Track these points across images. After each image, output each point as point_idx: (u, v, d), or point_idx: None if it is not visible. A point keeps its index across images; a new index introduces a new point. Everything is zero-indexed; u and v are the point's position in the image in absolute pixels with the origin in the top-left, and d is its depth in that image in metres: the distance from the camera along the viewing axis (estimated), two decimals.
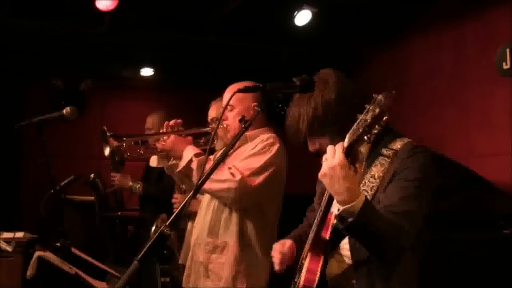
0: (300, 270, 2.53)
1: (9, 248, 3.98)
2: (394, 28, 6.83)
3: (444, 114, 6.34)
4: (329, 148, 2.14)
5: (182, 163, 3.66)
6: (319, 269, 2.38)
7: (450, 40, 6.37)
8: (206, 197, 3.85)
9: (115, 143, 3.90)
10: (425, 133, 6.26)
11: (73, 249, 3.88)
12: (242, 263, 3.54)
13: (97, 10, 6.24)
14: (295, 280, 2.58)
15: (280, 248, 2.74)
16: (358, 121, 2.05)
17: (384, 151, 2.45)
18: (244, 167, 3.51)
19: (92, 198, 6.45)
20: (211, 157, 3.91)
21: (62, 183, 4.52)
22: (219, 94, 4.16)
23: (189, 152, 3.68)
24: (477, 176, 4.73)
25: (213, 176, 3.43)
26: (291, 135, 2.63)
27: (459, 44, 6.25)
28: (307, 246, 2.51)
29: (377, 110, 1.99)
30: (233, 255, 3.55)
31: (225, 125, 3.78)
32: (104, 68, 9.09)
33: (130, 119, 8.93)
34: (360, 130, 2.03)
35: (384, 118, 1.99)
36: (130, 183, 5.72)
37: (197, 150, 3.70)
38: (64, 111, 4.01)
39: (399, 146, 2.45)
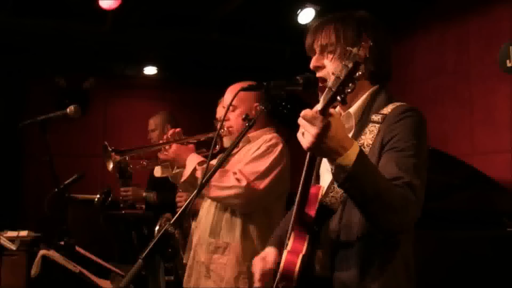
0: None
1: (13, 247, 3.99)
2: (397, 25, 6.81)
3: (447, 112, 6.33)
4: (301, 119, 1.90)
5: (186, 173, 3.64)
6: (303, 249, 2.16)
7: (453, 38, 6.36)
8: None
9: (118, 158, 3.89)
10: (428, 131, 6.25)
11: (77, 248, 3.89)
12: (244, 263, 3.52)
13: (100, 9, 6.25)
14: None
15: (262, 266, 2.54)
16: (332, 79, 1.82)
17: (374, 117, 2.26)
18: (249, 171, 3.50)
19: (96, 196, 6.44)
20: (217, 159, 3.90)
21: (66, 182, 4.52)
22: (222, 92, 4.16)
23: (192, 161, 3.66)
24: (481, 174, 4.73)
25: (219, 184, 3.43)
26: (312, 33, 2.45)
27: (462, 41, 6.24)
28: (290, 224, 2.30)
29: (350, 65, 1.76)
30: (235, 255, 3.54)
31: (227, 127, 3.78)
32: (107, 67, 9.10)
33: (133, 118, 8.96)
34: (333, 89, 1.79)
35: (358, 73, 1.77)
36: (144, 194, 5.71)
37: (201, 158, 3.69)
38: (67, 110, 4.02)
39: (389, 110, 2.26)
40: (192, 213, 4.35)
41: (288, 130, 4.95)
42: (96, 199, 6.15)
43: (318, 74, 2.41)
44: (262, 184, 3.48)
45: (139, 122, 6.52)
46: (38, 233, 4.49)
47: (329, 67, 2.37)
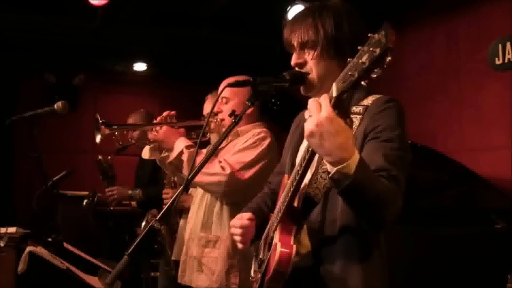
0: (268, 242, 2.37)
1: (1, 243, 3.98)
2: (386, 22, 6.82)
3: (436, 109, 6.35)
4: (312, 102, 1.91)
5: (173, 155, 3.66)
6: (291, 242, 2.16)
7: (443, 35, 6.37)
8: (199, 191, 3.85)
9: (107, 131, 3.89)
10: (418, 128, 6.26)
11: (65, 244, 3.89)
12: (235, 257, 3.54)
13: (89, 5, 6.22)
14: (262, 255, 2.44)
15: (240, 222, 2.55)
16: (349, 65, 1.79)
17: (354, 109, 2.26)
18: (235, 161, 3.52)
19: (85, 192, 6.43)
20: (204, 150, 3.91)
21: (55, 178, 4.51)
22: (213, 88, 4.17)
23: (180, 143, 3.67)
24: (469, 171, 4.74)
25: (203, 169, 3.44)
26: (289, 29, 2.45)
27: (452, 38, 6.25)
28: (275, 216, 2.33)
29: (377, 51, 1.71)
30: (225, 249, 3.55)
31: (219, 119, 3.79)
32: (97, 63, 9.08)
33: (123, 114, 8.90)
34: (356, 75, 1.75)
35: (387, 59, 1.71)
36: (130, 192, 5.71)
37: (189, 142, 3.70)
38: (55, 106, 4.01)
39: (370, 102, 2.25)
40: (178, 210, 4.36)
41: (277, 127, 4.95)
42: (84, 203, 6.16)
43: (300, 71, 2.43)
44: (246, 175, 3.50)
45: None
46: (28, 229, 4.47)
47: (310, 64, 2.39)
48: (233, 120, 2.47)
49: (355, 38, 2.28)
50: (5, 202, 8.33)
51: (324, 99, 1.88)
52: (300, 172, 2.11)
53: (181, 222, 4.43)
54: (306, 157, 2.07)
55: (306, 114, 1.93)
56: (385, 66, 1.73)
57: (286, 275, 2.14)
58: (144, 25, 7.57)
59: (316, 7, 2.43)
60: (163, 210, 2.19)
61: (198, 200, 3.83)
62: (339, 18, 2.36)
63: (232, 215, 3.58)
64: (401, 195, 2.09)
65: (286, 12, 6.51)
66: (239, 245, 2.55)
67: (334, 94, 1.84)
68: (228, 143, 3.80)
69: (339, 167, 1.89)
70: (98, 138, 3.90)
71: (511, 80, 5.48)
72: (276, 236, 2.22)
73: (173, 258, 4.34)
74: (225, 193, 3.51)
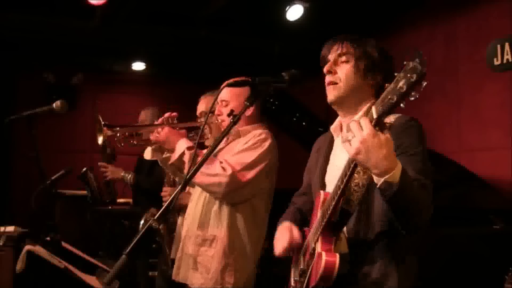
0: (309, 253, 2.48)
1: None
2: (386, 22, 6.82)
3: (435, 109, 6.35)
4: (353, 124, 2.09)
5: (175, 156, 3.66)
6: (332, 249, 2.34)
7: (442, 35, 6.38)
8: (197, 189, 3.85)
9: (109, 133, 3.88)
10: None
11: (63, 243, 3.88)
12: (230, 256, 3.53)
13: (88, 4, 6.23)
14: (303, 265, 2.54)
15: (291, 236, 2.65)
16: (387, 90, 1.99)
17: None
18: (235, 161, 3.51)
19: (84, 192, 6.44)
20: (204, 151, 3.92)
21: (53, 177, 4.51)
22: (210, 88, 4.17)
23: (182, 145, 3.67)
24: (468, 171, 4.74)
25: (204, 170, 3.43)
26: (329, 46, 2.66)
27: (451, 39, 6.26)
28: (315, 228, 2.46)
29: (414, 76, 1.92)
30: (222, 248, 3.55)
31: (219, 120, 3.78)
32: (95, 63, 9.09)
33: (121, 114, 8.93)
34: (395, 98, 1.95)
35: (424, 84, 1.93)
36: (122, 173, 5.72)
37: (190, 143, 3.70)
38: (54, 105, 4.00)
39: (392, 119, 2.36)
40: (178, 208, 4.35)
41: (275, 127, 4.95)
42: (83, 170, 6.23)
43: (329, 78, 2.59)
44: (247, 176, 3.49)
45: (127, 118, 6.49)
46: (26, 228, 4.47)
47: (340, 74, 2.58)
48: (232, 120, 2.48)
49: (383, 65, 2.59)
50: (3, 201, 8.33)
51: (363, 120, 2.07)
52: (341, 187, 2.25)
53: (179, 220, 4.42)
54: (348, 173, 2.22)
55: (350, 136, 2.12)
56: (421, 90, 1.94)
57: (331, 281, 2.28)
58: (143, 25, 7.57)
59: (354, 36, 2.69)
60: (161, 209, 2.18)
61: (196, 198, 3.83)
62: (373, 45, 2.65)
63: (231, 215, 3.58)
64: (431, 201, 2.30)
65: (284, 12, 6.52)
66: (279, 251, 2.65)
67: (375, 116, 2.03)
68: (228, 143, 3.79)
69: (386, 177, 2.09)
70: (100, 140, 3.88)
71: (509, 81, 5.50)
72: (319, 246, 2.36)
73: (172, 257, 4.33)
74: (225, 194, 3.50)
